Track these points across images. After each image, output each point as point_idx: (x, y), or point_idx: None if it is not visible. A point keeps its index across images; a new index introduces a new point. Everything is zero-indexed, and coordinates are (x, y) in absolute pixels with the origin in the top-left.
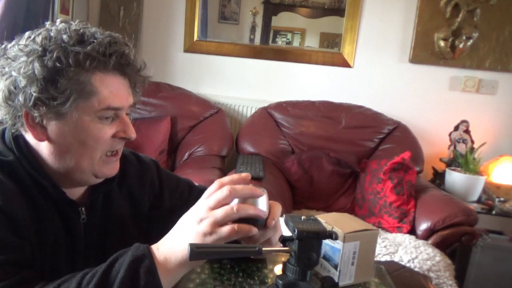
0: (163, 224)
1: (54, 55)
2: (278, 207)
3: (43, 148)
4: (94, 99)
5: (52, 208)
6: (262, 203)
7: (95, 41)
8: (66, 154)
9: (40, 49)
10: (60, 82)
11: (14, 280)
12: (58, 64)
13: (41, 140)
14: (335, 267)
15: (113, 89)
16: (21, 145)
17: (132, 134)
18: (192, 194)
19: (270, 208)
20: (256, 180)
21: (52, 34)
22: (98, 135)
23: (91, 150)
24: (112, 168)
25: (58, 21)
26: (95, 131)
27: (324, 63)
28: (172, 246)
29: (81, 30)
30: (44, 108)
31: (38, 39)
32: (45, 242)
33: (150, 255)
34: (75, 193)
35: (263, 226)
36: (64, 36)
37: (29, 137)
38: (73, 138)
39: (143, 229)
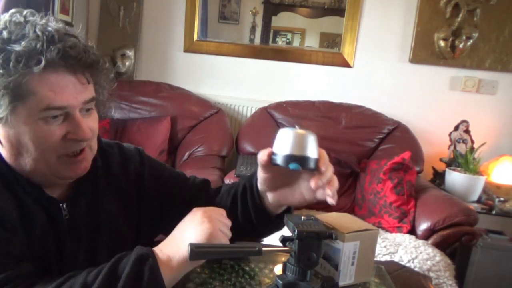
0: (150, 213)
1: None
2: (324, 152)
3: (1, 151)
4: (32, 100)
5: (36, 204)
6: (312, 144)
7: (32, 35)
8: (20, 157)
9: None
10: None
11: (13, 274)
12: None
13: None
14: (335, 267)
15: (54, 87)
16: None
17: (84, 135)
18: (177, 183)
19: (320, 152)
20: None
21: None
22: (44, 137)
23: (42, 153)
24: (76, 169)
25: (9, 12)
26: (39, 133)
27: (324, 63)
28: (175, 246)
29: (23, 24)
30: None
31: None
32: (33, 238)
33: (153, 255)
34: (56, 189)
35: (314, 169)
36: (4, 33)
37: None
38: (20, 142)
39: (132, 221)
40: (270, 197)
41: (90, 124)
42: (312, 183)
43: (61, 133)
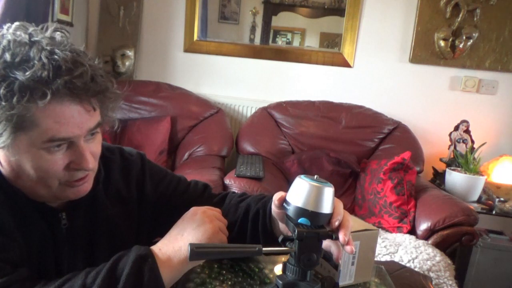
0: (150, 218)
1: None
2: (340, 205)
3: (1, 170)
4: (36, 131)
5: (35, 212)
6: (328, 199)
7: (37, 63)
8: (19, 180)
9: None
10: None
11: (11, 278)
12: None
13: None
14: (335, 267)
15: (59, 119)
16: None
17: (87, 166)
18: (178, 188)
19: (334, 206)
20: (256, 180)
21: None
22: (46, 167)
23: (44, 180)
24: (78, 192)
25: (12, 27)
26: (42, 163)
27: (324, 63)
28: (175, 246)
29: (28, 45)
30: None
31: None
32: (31, 245)
33: (152, 255)
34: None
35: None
36: (7, 55)
37: None
38: (21, 168)
39: (132, 226)
40: (281, 226)
41: (94, 148)
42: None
43: (64, 163)
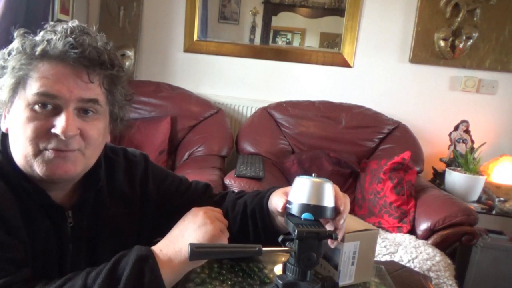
0: (152, 218)
1: (10, 46)
2: (347, 200)
3: (9, 140)
4: (29, 84)
5: (41, 210)
6: (329, 193)
7: (53, 29)
8: (14, 145)
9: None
10: (3, 71)
11: (13, 278)
12: (5, 53)
13: (6, 130)
14: (335, 267)
15: (51, 76)
16: (6, 145)
17: (64, 131)
18: (180, 188)
19: (336, 196)
20: (256, 180)
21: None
22: (26, 123)
23: (26, 142)
24: (52, 168)
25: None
26: (24, 118)
27: (324, 63)
28: (176, 247)
29: (58, 24)
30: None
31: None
32: (36, 243)
33: (152, 255)
34: (61, 195)
35: (330, 218)
36: (42, 32)
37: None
38: (15, 127)
39: (134, 227)
40: (280, 219)
41: (84, 128)
42: (329, 226)
43: (46, 125)
